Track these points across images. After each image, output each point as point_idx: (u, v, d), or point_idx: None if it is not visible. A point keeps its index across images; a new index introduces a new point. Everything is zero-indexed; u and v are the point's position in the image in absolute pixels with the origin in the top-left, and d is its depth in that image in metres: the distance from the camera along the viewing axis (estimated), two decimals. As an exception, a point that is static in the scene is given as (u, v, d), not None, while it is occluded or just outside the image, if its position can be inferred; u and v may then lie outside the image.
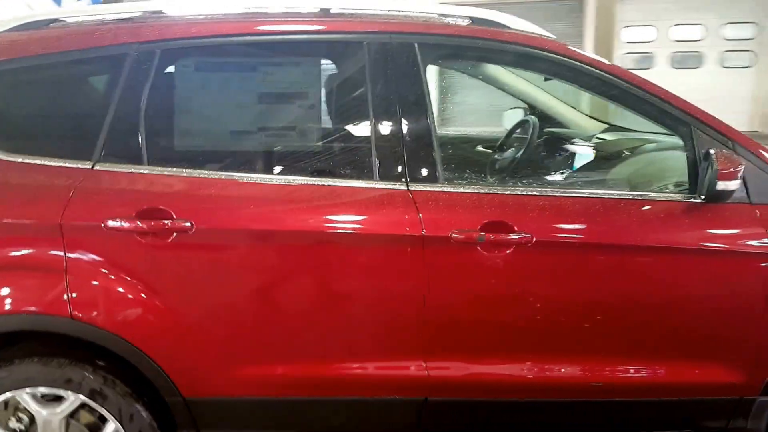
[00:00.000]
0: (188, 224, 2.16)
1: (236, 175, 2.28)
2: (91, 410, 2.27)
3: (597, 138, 3.24)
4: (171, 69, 2.38)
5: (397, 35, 2.36)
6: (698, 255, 2.29)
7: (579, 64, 2.38)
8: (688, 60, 12.06)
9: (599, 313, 2.29)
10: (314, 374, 2.29)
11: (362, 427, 2.41)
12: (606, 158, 2.94)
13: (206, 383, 2.28)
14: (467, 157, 3.55)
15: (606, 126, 3.49)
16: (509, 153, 3.50)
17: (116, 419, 2.26)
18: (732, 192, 2.22)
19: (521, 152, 3.32)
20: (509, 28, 2.46)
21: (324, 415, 2.37)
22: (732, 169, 2.17)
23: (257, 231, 2.20)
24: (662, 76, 12.37)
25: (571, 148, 3.16)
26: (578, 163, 3.06)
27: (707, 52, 12.06)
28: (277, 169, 2.37)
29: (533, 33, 2.50)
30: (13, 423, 2.26)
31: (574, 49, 2.43)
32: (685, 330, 2.34)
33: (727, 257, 2.29)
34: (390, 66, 2.32)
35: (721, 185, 2.19)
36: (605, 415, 2.43)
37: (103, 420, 2.28)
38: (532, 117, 3.47)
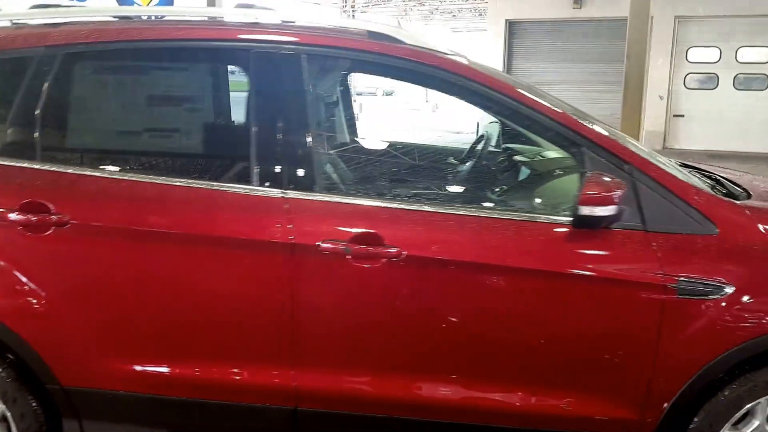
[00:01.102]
0: (65, 218, 2.24)
1: (118, 173, 2.36)
2: None
3: (540, 156, 3.12)
4: (69, 71, 2.48)
5: (284, 45, 2.37)
6: (568, 280, 2.17)
7: (468, 81, 2.33)
8: (752, 82, 11.52)
9: (467, 335, 2.22)
10: (187, 375, 2.31)
11: (238, 432, 2.42)
12: (538, 177, 2.84)
13: (84, 374, 2.33)
14: (422, 168, 3.50)
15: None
16: (467, 166, 3.44)
17: (1, 401, 2.35)
18: (603, 217, 2.09)
19: (470, 166, 3.26)
20: (403, 43, 2.41)
21: (200, 418, 2.38)
22: (601, 194, 2.06)
23: (126, 229, 2.26)
24: (726, 97, 11.87)
25: (506, 165, 3.08)
26: (513, 181, 2.97)
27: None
28: (157, 169, 2.42)
29: (425, 49, 2.42)
30: None
31: (467, 66, 2.37)
32: (563, 359, 2.23)
33: (605, 285, 2.16)
34: (275, 75, 2.35)
35: (585, 210, 2.08)
36: None
37: None
38: (487, 131, 3.39)
